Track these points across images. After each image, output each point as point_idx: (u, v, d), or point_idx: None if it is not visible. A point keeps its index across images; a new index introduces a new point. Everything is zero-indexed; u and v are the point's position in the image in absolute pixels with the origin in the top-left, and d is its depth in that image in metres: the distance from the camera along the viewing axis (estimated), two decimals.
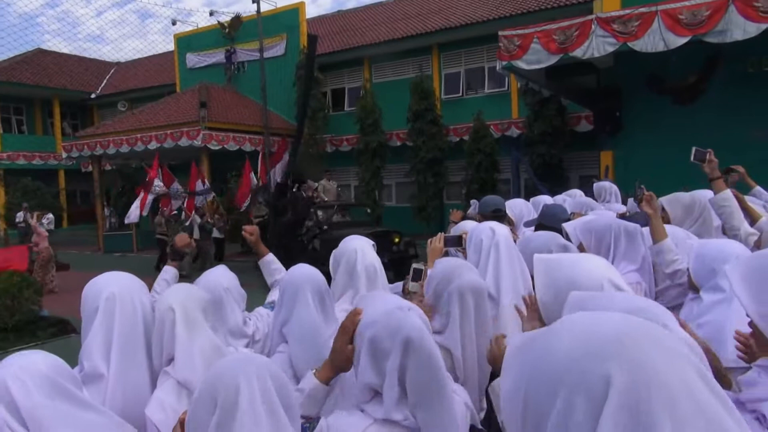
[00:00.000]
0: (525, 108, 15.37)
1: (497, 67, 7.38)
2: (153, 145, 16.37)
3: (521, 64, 7.04)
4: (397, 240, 10.36)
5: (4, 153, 23.88)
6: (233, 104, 18.94)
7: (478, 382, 1.78)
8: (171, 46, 23.76)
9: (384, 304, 1.35)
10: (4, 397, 1.19)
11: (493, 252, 2.10)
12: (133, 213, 12.96)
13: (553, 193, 5.68)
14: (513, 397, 0.70)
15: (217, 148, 16.19)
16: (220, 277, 2.05)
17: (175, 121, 16.69)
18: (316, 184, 13.64)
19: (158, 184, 12.32)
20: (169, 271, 2.43)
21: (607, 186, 4.97)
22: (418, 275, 2.35)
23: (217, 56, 21.36)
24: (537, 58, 6.91)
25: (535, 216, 3.36)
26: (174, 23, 21.24)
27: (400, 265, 8.86)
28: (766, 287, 1.27)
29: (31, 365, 1.25)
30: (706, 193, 2.98)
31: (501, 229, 2.17)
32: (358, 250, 2.08)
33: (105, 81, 27.76)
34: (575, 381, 0.61)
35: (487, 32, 16.75)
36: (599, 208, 3.75)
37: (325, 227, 10.60)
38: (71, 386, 1.27)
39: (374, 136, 17.13)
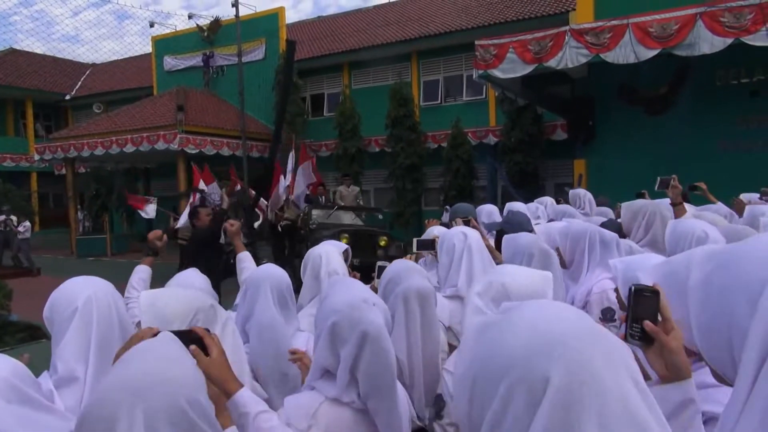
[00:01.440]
0: (502, 116, 15.57)
1: (474, 76, 7.50)
2: (129, 148, 16.18)
3: (497, 73, 7.16)
4: (383, 243, 9.85)
5: None
6: (211, 108, 18.81)
7: (426, 387, 1.79)
8: (148, 48, 23.52)
9: (351, 295, 1.43)
10: None
11: (466, 255, 2.16)
12: (183, 219, 12.51)
13: (527, 201, 5.80)
14: (463, 379, 0.74)
15: (194, 151, 16.05)
16: (192, 279, 2.05)
17: (151, 124, 16.51)
18: (335, 190, 13.24)
19: (206, 188, 11.76)
20: (142, 270, 2.40)
21: (581, 193, 5.09)
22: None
23: (195, 59, 21.20)
24: (512, 68, 7.04)
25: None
26: (152, 25, 21.08)
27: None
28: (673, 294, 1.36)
29: None
30: (662, 202, 3.08)
31: (472, 233, 2.23)
32: (323, 255, 2.12)
33: (80, 82, 27.30)
34: (519, 375, 0.66)
35: (465, 41, 16.93)
36: (577, 215, 3.84)
37: (311, 228, 10.23)
38: (31, 390, 1.27)
39: (353, 141, 17.19)
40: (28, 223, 13.61)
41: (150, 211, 12.83)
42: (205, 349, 1.20)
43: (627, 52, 6.45)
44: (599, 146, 8.24)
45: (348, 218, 11.10)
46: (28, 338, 6.94)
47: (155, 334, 1.09)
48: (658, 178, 3.08)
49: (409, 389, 1.70)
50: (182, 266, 4.26)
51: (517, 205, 4.40)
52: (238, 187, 12.80)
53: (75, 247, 17.38)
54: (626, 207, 3.01)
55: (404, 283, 1.76)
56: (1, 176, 21.73)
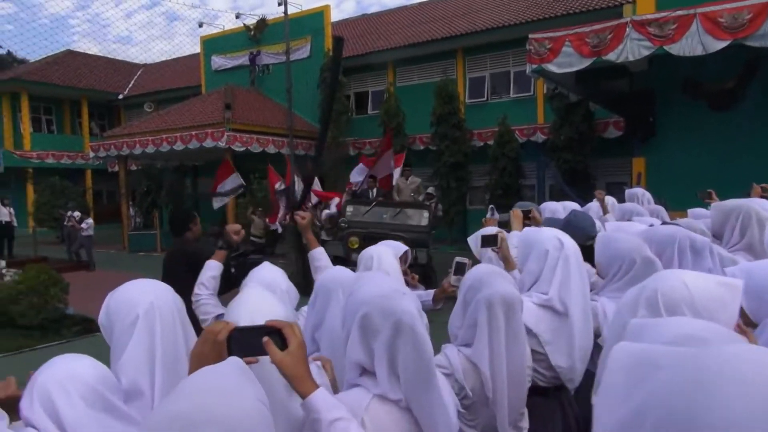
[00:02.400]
0: (551, 113, 15.14)
1: (527, 71, 7.24)
2: (178, 146, 16.54)
3: (552, 68, 6.89)
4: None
5: (34, 152, 24.37)
6: (257, 106, 19.05)
7: (510, 401, 1.65)
8: (197, 48, 24.06)
9: (380, 286, 1.36)
10: (47, 406, 1.13)
11: (562, 265, 1.95)
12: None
13: (583, 201, 5.52)
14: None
15: (241, 149, 16.28)
16: (278, 278, 1.94)
17: (200, 122, 16.83)
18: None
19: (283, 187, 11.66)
20: (213, 267, 2.29)
21: (639, 193, 4.78)
22: (461, 269, 2.26)
23: (242, 58, 21.52)
24: (568, 62, 6.76)
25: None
26: (201, 25, 21.53)
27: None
28: None
29: (77, 374, 1.19)
30: (757, 201, 2.82)
31: (569, 241, 2.02)
32: (375, 256, 2.00)
33: (132, 82, 28.19)
34: None
35: (513, 36, 16.59)
36: (646, 214, 3.59)
37: (341, 226, 9.79)
38: (116, 400, 1.21)
39: (397, 139, 17.02)
40: (90, 221, 13.88)
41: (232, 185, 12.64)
42: (284, 341, 1.13)
43: (694, 43, 6.08)
44: (660, 143, 7.84)
45: (390, 216, 9.98)
46: (83, 331, 7.12)
47: (230, 330, 1.11)
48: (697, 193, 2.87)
49: (492, 405, 1.56)
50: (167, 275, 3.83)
51: (572, 205, 4.15)
52: (280, 185, 12.78)
53: (127, 243, 17.90)
54: (716, 208, 2.76)
55: (488, 288, 1.62)
56: (58, 173, 22.70)
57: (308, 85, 19.27)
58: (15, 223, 15.61)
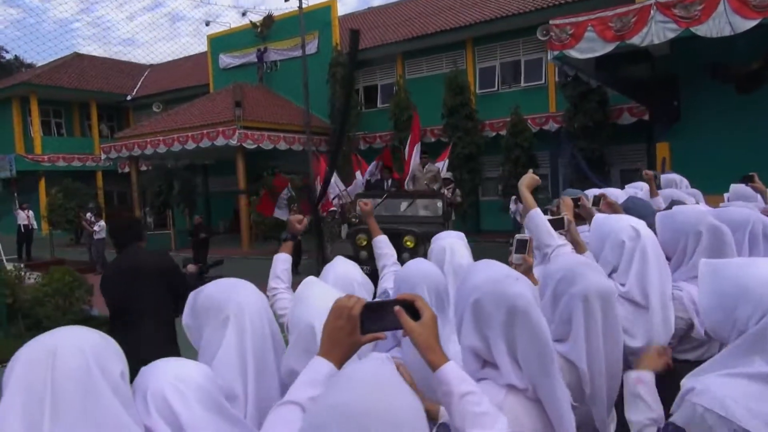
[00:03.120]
0: (564, 101, 14.99)
1: (549, 57, 7.13)
2: (190, 145, 16.54)
3: (574, 54, 6.78)
4: (409, 243, 8.46)
5: (45, 155, 24.47)
6: (266, 103, 19.00)
7: (608, 397, 1.58)
8: (202, 48, 24.06)
9: (491, 271, 1.33)
10: (163, 410, 1.08)
11: (639, 256, 1.87)
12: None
13: (606, 186, 5.42)
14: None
15: (252, 147, 16.25)
16: (352, 271, 1.87)
17: (210, 121, 16.81)
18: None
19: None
20: (284, 259, 2.20)
21: (677, 178, 4.66)
22: (523, 247, 2.20)
23: (250, 56, 21.46)
24: (591, 47, 6.64)
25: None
26: (207, 24, 21.45)
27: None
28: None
29: (187, 375, 1.14)
30: None
31: (645, 230, 1.93)
32: (447, 248, 1.91)
33: (140, 83, 28.21)
34: None
35: (523, 25, 16.44)
36: (690, 201, 3.49)
37: (351, 221, 9.43)
38: (225, 402, 1.16)
39: (408, 132, 16.91)
40: (103, 223, 13.77)
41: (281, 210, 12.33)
42: (415, 313, 1.14)
43: (721, 24, 5.95)
44: (684, 128, 7.71)
45: (404, 207, 9.33)
46: (108, 332, 7.09)
47: (363, 305, 1.12)
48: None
49: (590, 400, 1.49)
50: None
51: (614, 192, 4.04)
52: (286, 192, 12.46)
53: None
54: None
55: (581, 281, 1.53)
56: (70, 176, 22.76)
57: (316, 80, 19.18)
58: (35, 226, 15.64)
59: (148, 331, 3.09)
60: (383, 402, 0.78)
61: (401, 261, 6.75)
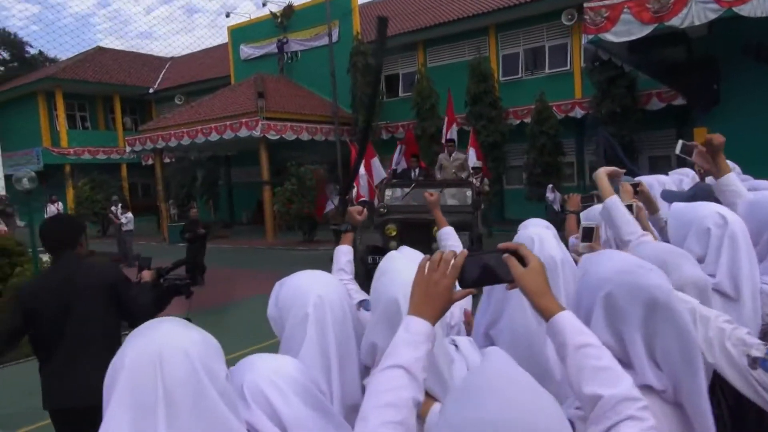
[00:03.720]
0: (591, 87, 14.70)
1: (583, 42, 6.96)
2: (213, 137, 16.63)
3: (610, 37, 6.60)
4: (392, 231, 8.56)
5: (71, 148, 24.84)
6: (288, 93, 19.00)
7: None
8: (218, 40, 24.09)
9: (621, 262, 1.21)
10: (263, 405, 1.04)
11: (729, 244, 1.75)
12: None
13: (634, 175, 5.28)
14: None
15: (275, 138, 16.28)
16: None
17: (233, 112, 16.86)
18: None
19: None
20: (345, 251, 2.13)
21: (730, 164, 4.48)
22: (589, 235, 2.12)
23: (270, 47, 21.44)
24: (627, 30, 6.46)
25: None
26: (228, 15, 21.46)
27: None
28: None
29: (284, 371, 1.11)
30: None
31: (732, 216, 1.81)
32: (536, 239, 1.81)
33: (161, 76, 28.41)
34: None
35: (547, 9, 16.15)
36: (742, 185, 3.34)
37: (380, 212, 9.25)
38: (320, 395, 1.12)
39: (431, 121, 16.80)
40: (130, 214, 13.82)
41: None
42: (521, 260, 1.10)
43: (766, 3, 5.74)
44: (723, 112, 7.49)
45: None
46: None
47: (464, 256, 1.08)
48: (680, 142, 2.55)
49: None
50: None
51: (663, 179, 3.90)
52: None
53: (167, 234, 18.14)
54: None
55: (676, 273, 1.43)
56: (95, 169, 23.10)
57: (338, 69, 19.09)
58: None
59: (92, 365, 2.43)
60: (528, 410, 0.73)
61: (387, 249, 6.33)
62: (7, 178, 16.91)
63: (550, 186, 13.62)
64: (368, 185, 10.63)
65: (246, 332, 6.27)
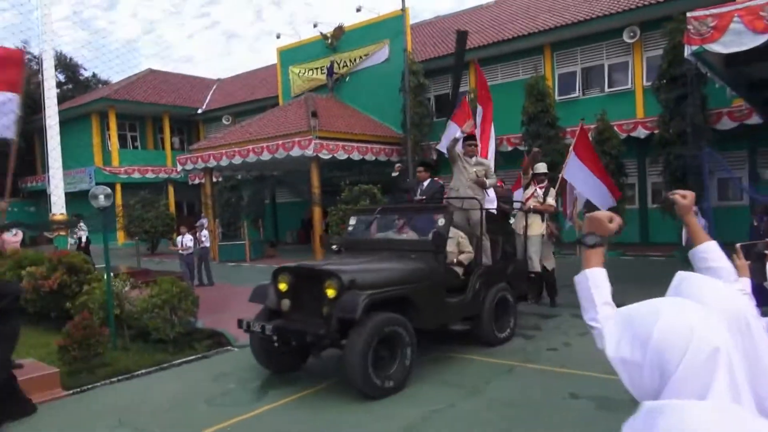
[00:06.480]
0: (655, 106, 14.12)
1: (686, 53, 6.51)
2: (265, 156, 16.59)
3: (717, 48, 6.15)
4: (331, 292, 5.06)
5: (122, 167, 25.31)
6: (338, 114, 18.93)
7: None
8: (258, 63, 24.30)
9: None
10: None
11: None
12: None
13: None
14: None
15: (327, 157, 16.14)
16: (736, 297, 1.23)
17: (283, 131, 16.81)
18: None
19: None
20: (604, 277, 1.50)
21: None
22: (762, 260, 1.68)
23: (320, 67, 21.50)
24: (737, 40, 5.99)
25: None
26: (278, 37, 21.65)
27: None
28: None
29: None
30: None
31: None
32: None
33: (209, 96, 28.89)
34: None
35: (606, 28, 15.73)
36: None
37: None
38: None
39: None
40: (206, 232, 13.35)
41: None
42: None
43: None
44: None
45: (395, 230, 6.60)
46: (214, 345, 6.93)
47: None
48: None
49: None
50: None
51: None
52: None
53: (217, 254, 18.07)
54: None
55: None
56: (144, 187, 23.41)
57: (388, 89, 18.96)
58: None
59: None
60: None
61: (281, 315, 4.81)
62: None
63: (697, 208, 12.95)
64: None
65: None
